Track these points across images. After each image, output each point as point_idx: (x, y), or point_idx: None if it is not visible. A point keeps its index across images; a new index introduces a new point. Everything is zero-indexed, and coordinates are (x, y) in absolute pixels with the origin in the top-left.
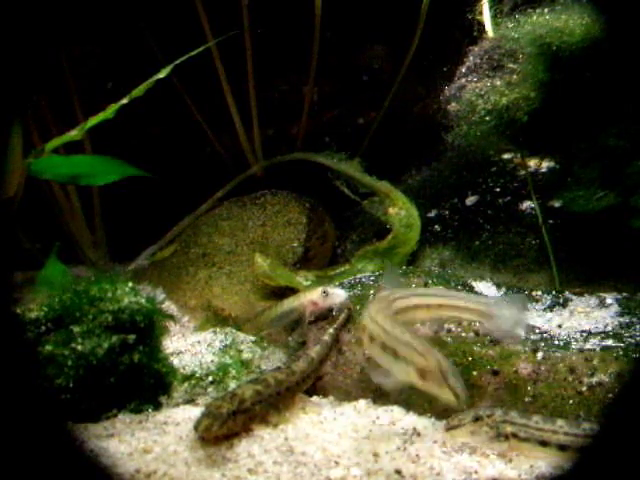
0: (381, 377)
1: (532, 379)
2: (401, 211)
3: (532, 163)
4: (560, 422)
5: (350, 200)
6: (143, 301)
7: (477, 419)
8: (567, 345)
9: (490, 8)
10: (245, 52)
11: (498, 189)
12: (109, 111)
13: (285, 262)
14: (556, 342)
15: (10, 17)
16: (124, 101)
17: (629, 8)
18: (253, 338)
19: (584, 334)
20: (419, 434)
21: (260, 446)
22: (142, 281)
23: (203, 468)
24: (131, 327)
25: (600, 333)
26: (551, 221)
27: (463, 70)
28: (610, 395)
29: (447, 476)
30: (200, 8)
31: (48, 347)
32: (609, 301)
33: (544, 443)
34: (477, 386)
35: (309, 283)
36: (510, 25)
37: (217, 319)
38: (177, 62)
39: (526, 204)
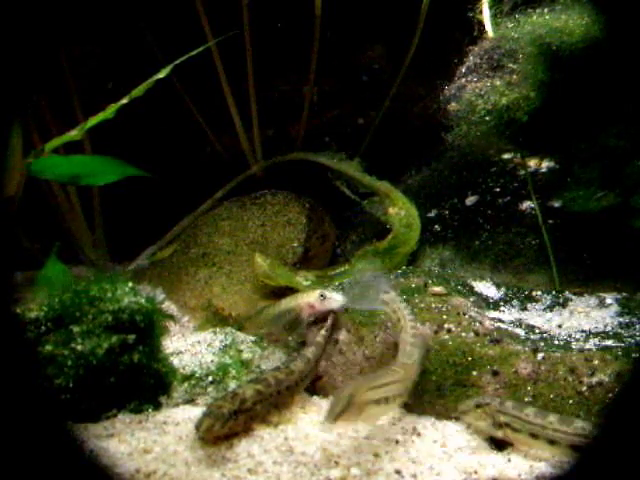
0: None
1: (532, 379)
2: (401, 211)
3: (532, 163)
4: (552, 417)
5: (350, 200)
6: (143, 301)
7: (478, 406)
8: (567, 345)
9: (490, 8)
10: (245, 52)
11: (498, 189)
12: (109, 111)
13: (285, 262)
14: (556, 342)
15: (10, 17)
16: (124, 101)
17: (629, 8)
18: (253, 338)
19: (584, 334)
20: (419, 434)
21: (260, 446)
22: (142, 281)
23: (203, 468)
24: (131, 327)
25: (600, 333)
26: (551, 221)
27: (463, 70)
28: (610, 395)
29: (447, 476)
30: (200, 8)
31: (48, 347)
32: (609, 301)
33: (534, 436)
34: (477, 386)
35: (309, 283)
36: (510, 25)
37: (217, 318)
38: (177, 62)
39: (526, 204)
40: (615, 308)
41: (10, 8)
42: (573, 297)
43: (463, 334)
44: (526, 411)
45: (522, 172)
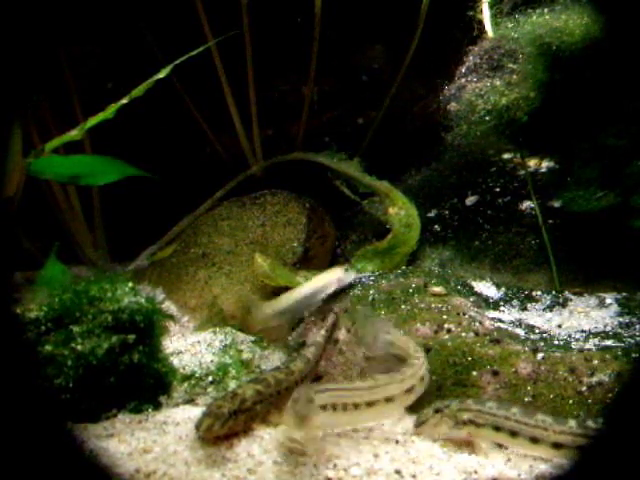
0: None
1: (532, 379)
2: (401, 211)
3: (532, 163)
4: (514, 409)
5: (350, 200)
6: (143, 301)
7: (437, 411)
8: (567, 345)
9: (490, 8)
10: (245, 52)
11: (498, 189)
12: (109, 111)
13: (285, 262)
14: (556, 342)
15: (10, 17)
16: (124, 101)
17: (629, 8)
18: (253, 338)
19: (584, 334)
20: (419, 434)
21: (260, 446)
22: (142, 281)
23: (203, 468)
24: (131, 327)
25: (600, 333)
26: (551, 221)
27: (463, 70)
28: (610, 395)
29: (447, 476)
30: (200, 8)
31: (48, 347)
32: (609, 301)
33: (497, 428)
34: (477, 386)
35: None
36: (510, 25)
37: (219, 317)
38: (177, 62)
39: (526, 204)
40: (615, 308)
41: (10, 8)
42: (573, 297)
43: (463, 334)
44: (489, 404)
45: (522, 172)
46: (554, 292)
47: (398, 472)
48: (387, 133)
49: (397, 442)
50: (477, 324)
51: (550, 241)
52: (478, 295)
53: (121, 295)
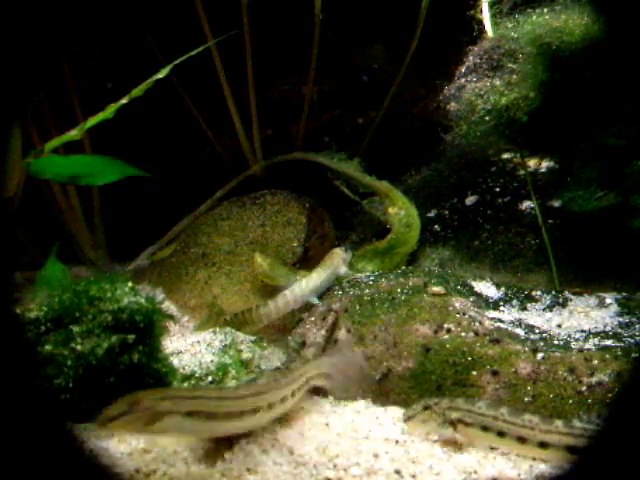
0: None
1: (532, 379)
2: (401, 211)
3: (532, 163)
4: (503, 409)
5: (350, 200)
6: (143, 301)
7: (426, 408)
8: (567, 345)
9: (490, 8)
10: (245, 52)
11: (498, 189)
12: (109, 111)
13: (285, 262)
14: (556, 342)
15: (10, 17)
16: (124, 101)
17: (629, 8)
18: (253, 338)
19: (584, 334)
20: (419, 434)
21: (260, 446)
22: (142, 281)
23: (203, 468)
24: (131, 327)
25: (600, 333)
26: (551, 221)
27: (463, 70)
28: (610, 395)
29: (447, 476)
30: (200, 8)
31: (48, 347)
32: (608, 301)
33: (485, 428)
34: (477, 386)
35: None
36: (510, 25)
37: (218, 317)
38: (177, 62)
39: (526, 204)
40: (615, 308)
41: (10, 8)
42: (573, 297)
43: (463, 334)
44: (478, 404)
45: (522, 172)
46: (554, 292)
47: (398, 472)
48: (387, 133)
49: (397, 442)
50: (477, 324)
51: (550, 241)
52: (478, 295)
53: (121, 295)
